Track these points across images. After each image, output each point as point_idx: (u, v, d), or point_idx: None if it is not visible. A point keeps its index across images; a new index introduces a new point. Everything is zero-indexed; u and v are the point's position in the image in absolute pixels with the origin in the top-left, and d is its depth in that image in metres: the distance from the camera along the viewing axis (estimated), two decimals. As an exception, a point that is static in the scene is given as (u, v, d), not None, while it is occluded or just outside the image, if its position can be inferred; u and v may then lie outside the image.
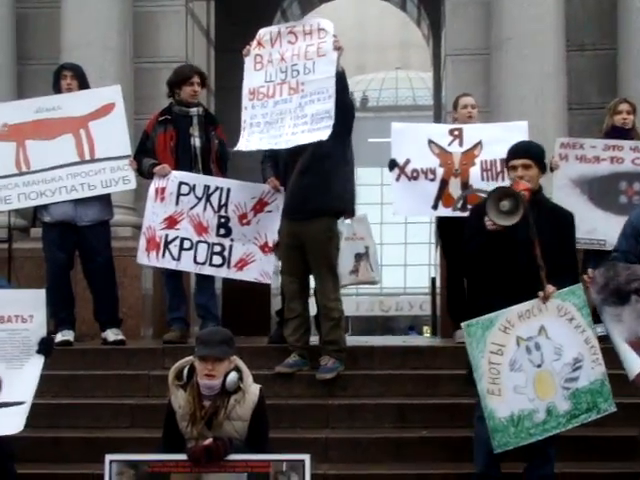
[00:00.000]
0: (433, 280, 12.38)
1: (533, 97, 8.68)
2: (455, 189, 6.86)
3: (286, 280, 6.63)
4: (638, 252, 5.16)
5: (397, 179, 7.02)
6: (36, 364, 4.71)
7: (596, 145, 7.05)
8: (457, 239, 6.61)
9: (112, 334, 7.07)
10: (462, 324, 4.79)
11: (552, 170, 6.90)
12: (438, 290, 10.42)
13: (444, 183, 6.89)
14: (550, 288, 4.77)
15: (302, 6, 16.09)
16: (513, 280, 4.84)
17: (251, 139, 6.43)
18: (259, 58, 6.50)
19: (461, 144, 6.95)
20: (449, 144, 6.96)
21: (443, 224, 7.42)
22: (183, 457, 4.51)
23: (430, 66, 17.29)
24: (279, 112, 6.31)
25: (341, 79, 6.22)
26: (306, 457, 4.51)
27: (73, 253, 7.11)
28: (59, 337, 6.51)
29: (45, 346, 4.74)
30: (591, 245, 6.66)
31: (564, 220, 5.12)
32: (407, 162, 6.96)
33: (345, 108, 6.26)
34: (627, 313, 4.94)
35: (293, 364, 6.33)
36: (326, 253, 6.41)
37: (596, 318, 5.61)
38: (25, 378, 4.69)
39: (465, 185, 6.85)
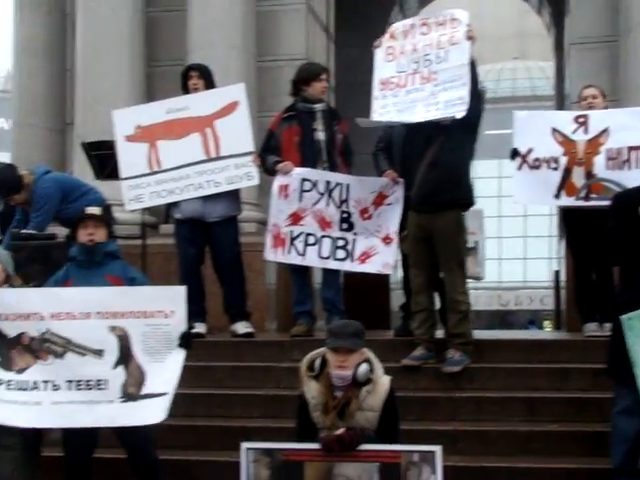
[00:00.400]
0: (556, 273, 12.21)
1: (664, 84, 8.46)
2: (578, 178, 6.73)
3: (412, 273, 6.64)
4: None
5: (519, 168, 6.93)
6: (177, 358, 4.87)
7: None
8: (583, 230, 6.54)
9: (242, 327, 7.24)
10: (622, 317, 4.71)
11: None
12: (562, 283, 10.28)
13: (567, 172, 6.77)
14: None
15: (419, -1, 16.06)
16: None
17: (383, 117, 6.58)
18: (391, 50, 6.60)
19: (586, 132, 6.79)
20: (573, 132, 6.81)
21: (569, 215, 7.30)
22: (316, 446, 4.59)
23: (550, 55, 16.99)
24: (411, 100, 6.40)
25: (473, 69, 6.27)
26: (437, 448, 4.53)
27: (203, 248, 7.30)
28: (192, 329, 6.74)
29: (185, 340, 4.90)
30: None
31: None
32: (529, 151, 6.87)
33: (475, 98, 6.28)
34: None
35: (420, 357, 6.36)
36: (455, 246, 6.44)
37: None
38: (167, 371, 4.85)
39: (589, 174, 6.71)
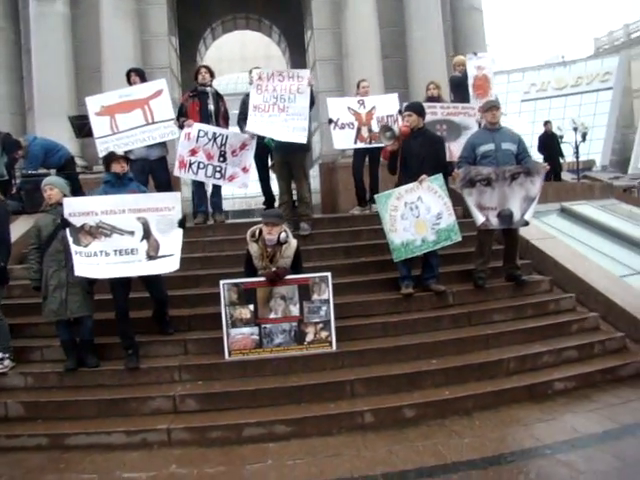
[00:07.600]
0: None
1: None
2: (364, 132, 6.70)
3: (279, 183, 6.40)
4: (472, 158, 5.34)
5: (333, 129, 6.74)
6: (178, 233, 4.52)
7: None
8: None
9: None
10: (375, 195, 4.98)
11: None
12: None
13: (358, 129, 6.72)
14: (423, 176, 5.09)
15: (224, 29, 14.37)
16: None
17: (254, 126, 6.15)
18: (259, 87, 6.08)
19: (364, 107, 6.75)
20: (358, 108, 6.73)
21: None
22: (262, 279, 4.52)
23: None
24: (271, 121, 6.05)
25: (311, 98, 6.12)
26: (328, 274, 4.59)
27: (148, 176, 6.54)
28: None
29: (181, 223, 4.54)
30: None
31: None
32: (337, 119, 6.72)
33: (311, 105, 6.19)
34: (475, 192, 5.25)
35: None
36: (303, 168, 6.33)
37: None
38: (173, 241, 4.49)
39: (369, 130, 6.69)
